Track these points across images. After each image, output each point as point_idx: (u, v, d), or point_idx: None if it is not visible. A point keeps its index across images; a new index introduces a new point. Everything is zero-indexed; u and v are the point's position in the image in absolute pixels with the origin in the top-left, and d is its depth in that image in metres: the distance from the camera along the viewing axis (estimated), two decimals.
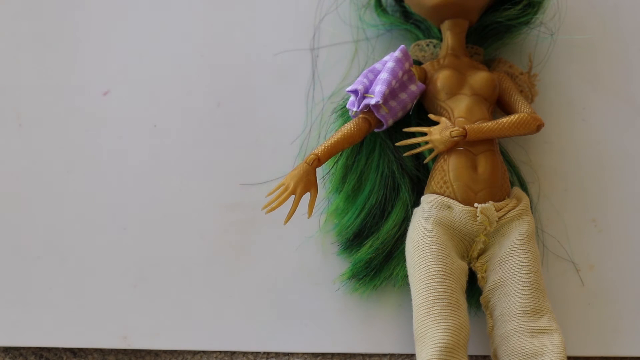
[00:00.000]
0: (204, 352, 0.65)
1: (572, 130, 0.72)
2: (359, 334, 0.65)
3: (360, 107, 0.64)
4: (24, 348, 0.65)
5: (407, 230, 0.63)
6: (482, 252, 0.63)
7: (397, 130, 0.67)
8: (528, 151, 0.71)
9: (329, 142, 0.63)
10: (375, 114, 0.64)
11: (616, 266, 0.68)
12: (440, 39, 0.70)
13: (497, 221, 0.62)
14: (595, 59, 0.75)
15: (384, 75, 0.64)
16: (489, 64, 0.71)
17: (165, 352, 0.65)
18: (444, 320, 0.57)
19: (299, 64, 0.74)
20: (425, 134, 0.65)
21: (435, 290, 0.58)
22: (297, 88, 0.73)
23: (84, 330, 0.65)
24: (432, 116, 0.65)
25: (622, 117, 0.73)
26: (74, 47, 0.74)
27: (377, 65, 0.65)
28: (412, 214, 0.64)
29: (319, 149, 0.63)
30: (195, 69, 0.74)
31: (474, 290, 0.64)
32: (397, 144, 0.65)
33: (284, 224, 0.62)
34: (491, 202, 0.62)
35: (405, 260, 0.62)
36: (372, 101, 0.63)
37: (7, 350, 0.65)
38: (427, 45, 0.70)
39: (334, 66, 0.73)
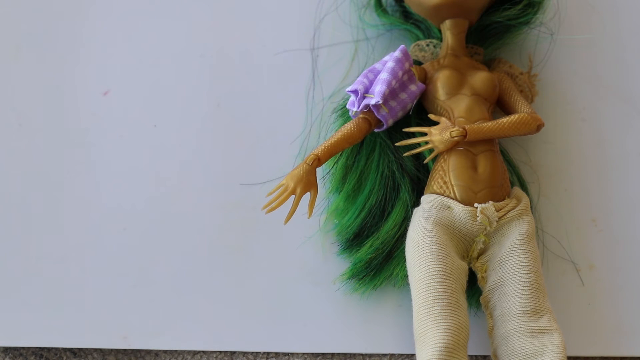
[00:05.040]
0: (204, 352, 0.65)
1: (572, 130, 0.72)
2: (359, 334, 0.65)
3: (360, 107, 0.64)
4: (24, 348, 0.65)
5: (407, 230, 0.63)
6: (482, 252, 0.63)
7: (397, 130, 0.67)
8: (528, 151, 0.71)
9: (329, 142, 0.63)
10: (375, 114, 0.64)
11: (616, 266, 0.68)
12: (440, 39, 0.70)
13: (497, 221, 0.62)
14: (595, 59, 0.75)
15: (384, 75, 0.64)
16: (489, 64, 0.71)
17: (165, 352, 0.65)
18: (444, 321, 0.57)
19: (299, 64, 0.74)
20: (425, 134, 0.65)
21: (435, 290, 0.58)
22: (297, 88, 0.73)
23: (84, 330, 0.65)
24: (432, 116, 0.65)
25: (622, 117, 0.73)
26: (74, 47, 0.74)
27: (377, 65, 0.65)
28: (412, 214, 0.64)
29: (319, 149, 0.63)
30: (195, 69, 0.74)
31: (474, 290, 0.64)
32: (397, 144, 0.65)
33: (284, 224, 0.62)
34: (491, 202, 0.62)
35: (405, 260, 0.62)
36: (372, 101, 0.63)
37: (7, 350, 0.65)
38: (427, 45, 0.70)
39: (334, 66, 0.73)
